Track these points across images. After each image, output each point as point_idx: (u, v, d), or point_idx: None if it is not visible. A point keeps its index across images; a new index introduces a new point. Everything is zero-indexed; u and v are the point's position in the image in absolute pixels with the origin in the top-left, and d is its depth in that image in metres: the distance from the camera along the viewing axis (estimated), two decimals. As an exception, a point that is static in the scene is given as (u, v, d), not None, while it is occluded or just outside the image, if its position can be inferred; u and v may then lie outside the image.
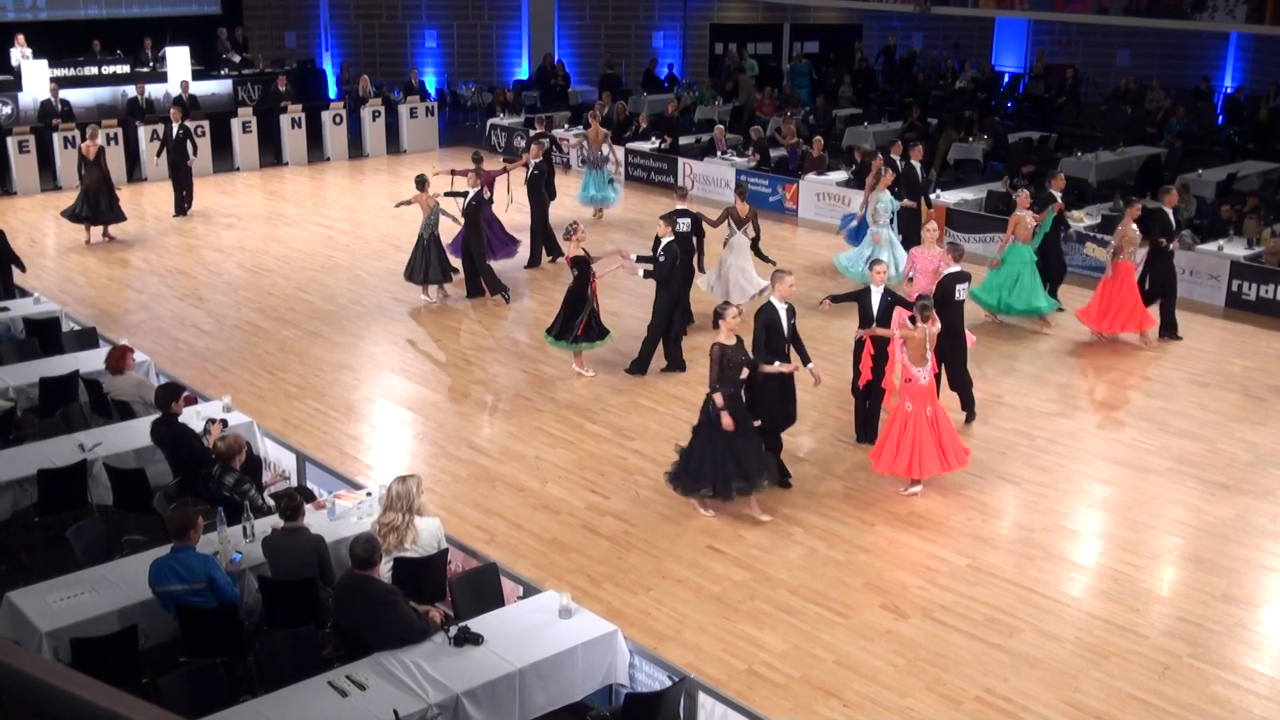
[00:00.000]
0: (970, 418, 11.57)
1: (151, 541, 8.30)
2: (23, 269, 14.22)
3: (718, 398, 9.36)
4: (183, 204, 19.60)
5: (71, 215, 17.74)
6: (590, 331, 12.57)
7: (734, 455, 9.46)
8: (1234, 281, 15.30)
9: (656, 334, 12.74)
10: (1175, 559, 9.33)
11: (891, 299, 10.58)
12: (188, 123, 20.04)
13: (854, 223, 16.32)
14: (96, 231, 17.90)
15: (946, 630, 8.26)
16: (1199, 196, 17.89)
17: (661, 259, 12.50)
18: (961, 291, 11.23)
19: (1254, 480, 10.58)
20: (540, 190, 16.75)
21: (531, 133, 19.94)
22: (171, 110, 20.39)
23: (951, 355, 11.21)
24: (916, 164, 16.36)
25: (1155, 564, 9.24)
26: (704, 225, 14.42)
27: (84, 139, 18.08)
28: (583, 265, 12.41)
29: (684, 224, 13.95)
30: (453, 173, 15.66)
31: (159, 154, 20.18)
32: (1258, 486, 10.46)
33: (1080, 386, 12.69)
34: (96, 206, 17.67)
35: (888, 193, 14.88)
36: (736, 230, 14.33)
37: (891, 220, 15.30)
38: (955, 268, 11.27)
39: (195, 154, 19.93)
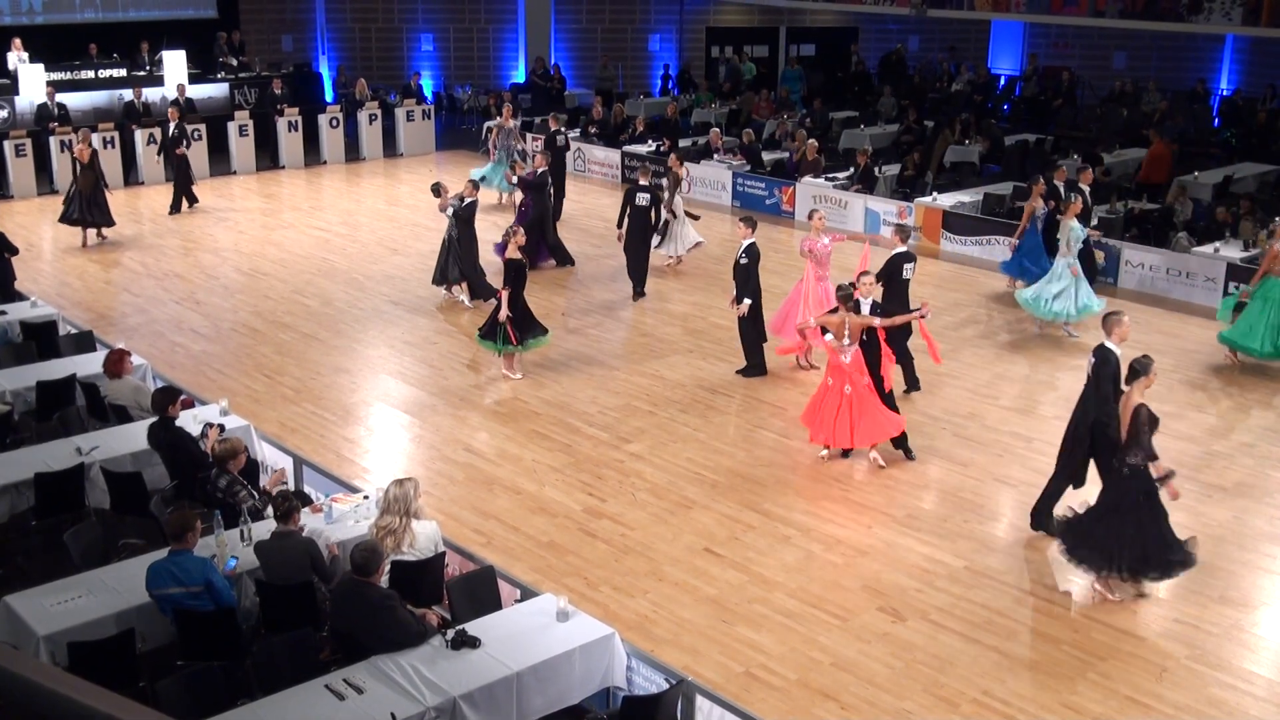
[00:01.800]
0: (911, 388, 12.29)
1: (149, 545, 8.30)
2: (15, 252, 14.13)
3: (1157, 467, 8.32)
4: (179, 202, 19.74)
5: (66, 219, 17.85)
6: (519, 335, 12.53)
7: (1154, 534, 8.46)
8: (1230, 284, 15.29)
9: (752, 334, 12.77)
10: (1172, 561, 9.33)
11: (881, 310, 10.75)
12: (185, 124, 20.17)
13: (1013, 250, 15.36)
14: (92, 234, 17.96)
15: (944, 632, 8.26)
16: (1195, 199, 17.91)
17: (744, 260, 12.54)
18: (908, 271, 11.96)
19: (1251, 483, 10.59)
20: (543, 194, 16.79)
21: (534, 137, 20.05)
22: (170, 110, 20.54)
23: (893, 331, 11.50)
24: (1086, 187, 15.53)
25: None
26: (661, 200, 15.98)
27: (78, 142, 18.13)
28: (519, 269, 12.46)
29: (643, 199, 15.44)
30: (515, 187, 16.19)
31: (159, 155, 20.66)
32: (1255, 489, 10.46)
33: (1077, 388, 12.67)
34: (89, 209, 17.76)
35: (1076, 221, 13.90)
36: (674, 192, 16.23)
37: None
38: (902, 248, 12.01)
39: (188, 147, 19.97)
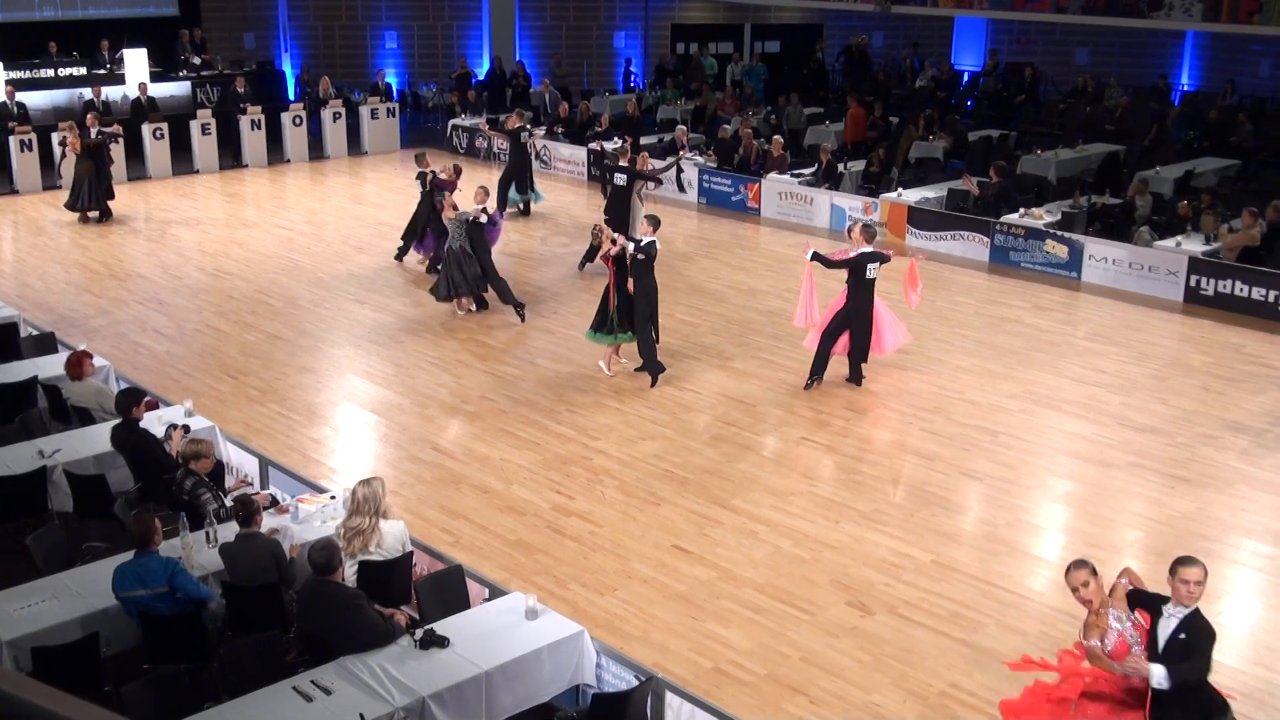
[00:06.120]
0: (855, 382, 12.49)
1: (113, 548, 8.23)
2: None
3: None
4: (103, 209, 19.16)
5: (71, 206, 18.85)
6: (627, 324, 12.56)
7: None
8: (1192, 277, 15.46)
9: (644, 331, 12.53)
10: (1137, 552, 9.42)
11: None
12: (104, 129, 19.62)
13: None
14: (93, 215, 18.94)
15: (911, 626, 8.30)
16: (1157, 193, 18.08)
17: (640, 256, 12.43)
18: (872, 270, 12.05)
19: (1214, 474, 10.69)
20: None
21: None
22: (88, 116, 20.00)
23: (856, 327, 12.26)
24: None
25: (1118, 558, 9.30)
26: (640, 178, 16.48)
27: (69, 135, 18.81)
28: (619, 262, 12.38)
29: (621, 179, 15.91)
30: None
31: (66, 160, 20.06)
32: (1217, 480, 10.57)
33: (1042, 382, 12.78)
34: (91, 193, 18.71)
35: None
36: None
37: None
38: (868, 248, 12.10)
39: (114, 140, 19.81)
